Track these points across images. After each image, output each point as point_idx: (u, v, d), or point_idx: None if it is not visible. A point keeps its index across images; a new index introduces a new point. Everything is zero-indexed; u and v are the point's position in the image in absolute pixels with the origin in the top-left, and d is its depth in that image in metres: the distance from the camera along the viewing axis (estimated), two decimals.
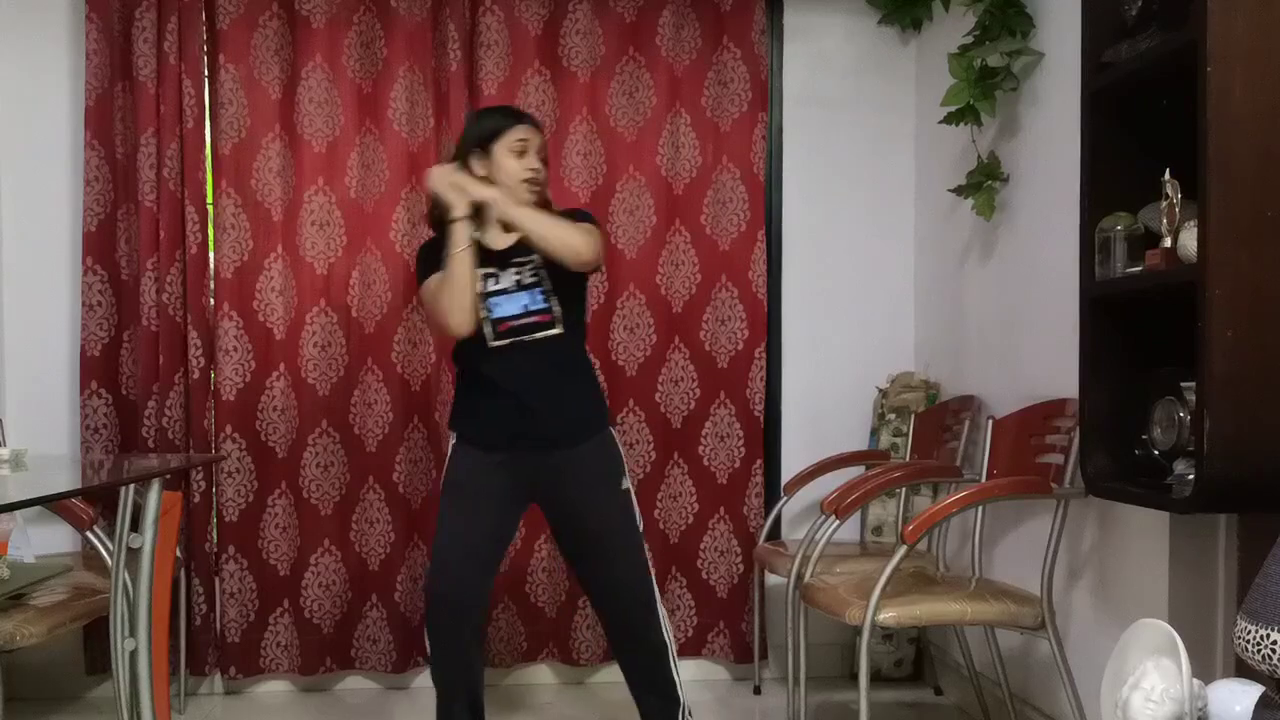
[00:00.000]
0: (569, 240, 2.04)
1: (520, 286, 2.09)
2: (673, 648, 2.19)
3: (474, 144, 2.11)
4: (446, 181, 2.07)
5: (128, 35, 2.75)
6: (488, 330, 2.09)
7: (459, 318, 2.04)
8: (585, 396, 2.16)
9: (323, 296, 2.82)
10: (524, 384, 2.08)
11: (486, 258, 2.10)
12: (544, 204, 2.14)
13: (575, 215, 2.16)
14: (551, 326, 2.09)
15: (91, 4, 2.73)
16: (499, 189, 2.08)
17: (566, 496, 2.13)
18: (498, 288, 2.09)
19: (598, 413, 2.18)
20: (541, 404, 2.08)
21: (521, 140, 2.09)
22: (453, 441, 2.17)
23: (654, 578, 2.18)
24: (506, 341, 2.08)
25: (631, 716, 2.68)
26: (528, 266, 2.10)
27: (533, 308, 2.08)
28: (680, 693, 2.17)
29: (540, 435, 2.08)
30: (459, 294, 2.04)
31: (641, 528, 2.18)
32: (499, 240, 2.12)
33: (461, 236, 2.04)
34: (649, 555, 2.20)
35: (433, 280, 2.09)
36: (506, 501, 2.12)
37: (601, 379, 2.87)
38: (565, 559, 2.29)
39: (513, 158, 2.09)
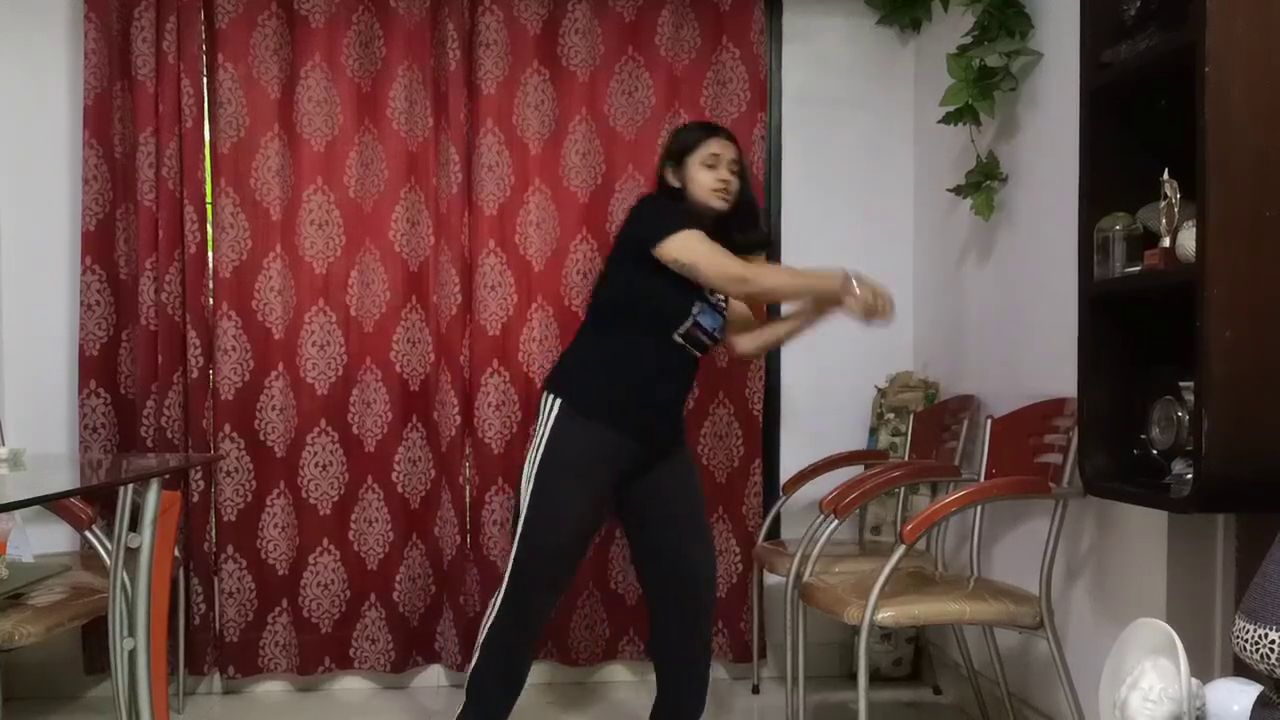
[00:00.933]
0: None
1: (716, 309, 2.25)
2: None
3: (670, 157, 2.26)
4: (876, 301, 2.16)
5: (126, 34, 2.74)
6: (701, 340, 2.23)
7: (764, 289, 2.25)
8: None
9: (321, 296, 2.82)
10: (676, 387, 2.25)
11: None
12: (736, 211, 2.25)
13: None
14: (706, 350, 2.27)
15: (90, 3, 2.73)
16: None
17: (672, 485, 2.26)
18: (713, 298, 2.24)
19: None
20: (677, 409, 2.28)
21: (714, 154, 2.21)
22: (574, 418, 2.14)
23: None
24: (683, 343, 2.21)
25: (629, 716, 2.69)
26: (720, 294, 2.25)
27: (718, 327, 2.26)
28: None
29: (667, 435, 2.25)
30: (789, 291, 2.33)
31: None
32: None
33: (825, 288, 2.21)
34: None
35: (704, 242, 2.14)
36: (613, 492, 2.24)
37: None
38: (651, 549, 2.30)
39: (704, 171, 2.21)
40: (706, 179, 2.20)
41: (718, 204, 2.21)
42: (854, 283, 2.12)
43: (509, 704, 2.21)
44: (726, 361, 2.92)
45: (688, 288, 2.16)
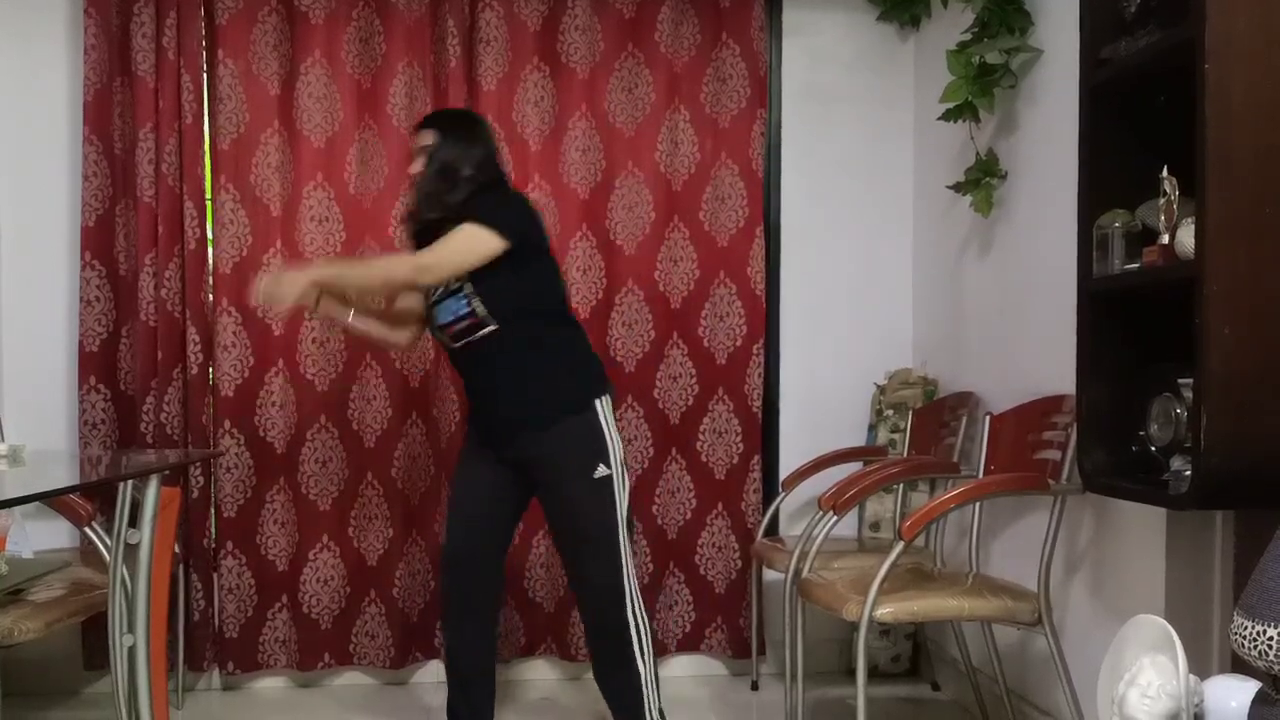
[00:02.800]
0: (374, 276, 2.25)
1: (447, 293, 2.18)
2: (644, 662, 2.14)
3: None
4: (290, 294, 2.08)
5: (126, 30, 2.74)
6: (443, 338, 2.24)
7: (396, 343, 2.38)
8: (543, 382, 2.14)
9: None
10: (478, 381, 2.21)
11: None
12: (441, 203, 2.15)
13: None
14: (483, 326, 2.14)
15: None
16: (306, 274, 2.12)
17: (540, 481, 2.18)
18: (435, 298, 2.21)
19: (558, 397, 2.14)
20: (494, 396, 2.18)
21: (412, 149, 2.23)
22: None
23: (630, 578, 2.14)
24: (460, 344, 2.19)
25: None
26: (456, 282, 2.16)
27: (460, 313, 2.16)
28: (644, 695, 2.13)
29: (499, 425, 2.19)
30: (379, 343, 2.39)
31: (622, 520, 2.14)
32: None
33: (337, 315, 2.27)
34: (626, 553, 2.13)
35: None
36: (500, 483, 2.23)
37: None
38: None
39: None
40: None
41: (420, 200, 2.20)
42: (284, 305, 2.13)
43: None
44: (727, 359, 2.92)
45: (425, 292, 2.24)
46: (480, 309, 2.13)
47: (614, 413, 2.19)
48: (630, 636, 2.14)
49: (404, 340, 2.37)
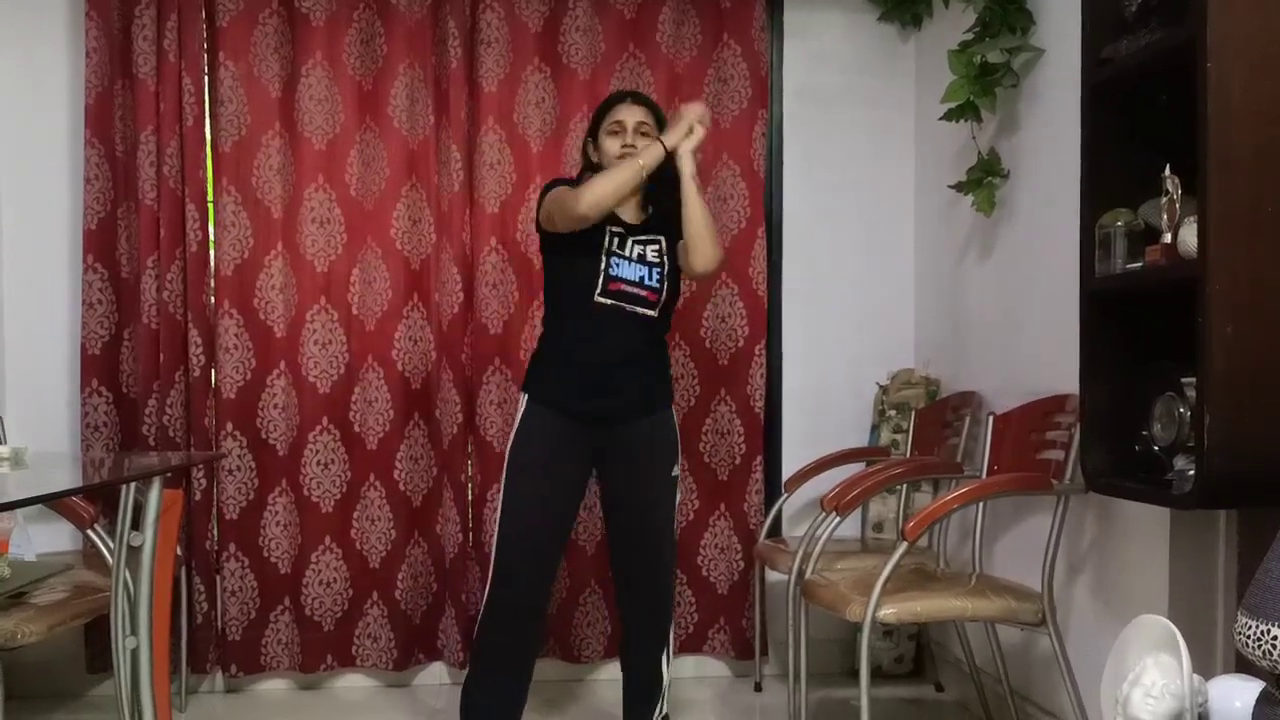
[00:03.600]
0: (712, 240, 2.17)
1: (642, 260, 2.19)
2: (671, 649, 2.30)
3: (589, 134, 2.28)
4: (695, 118, 2.16)
5: (127, 33, 2.74)
6: (600, 281, 2.16)
7: (591, 199, 2.07)
8: (658, 372, 2.26)
9: (323, 294, 2.82)
10: (613, 353, 2.17)
11: (614, 221, 2.18)
12: (665, 182, 2.19)
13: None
14: (652, 308, 2.20)
15: (91, 2, 2.73)
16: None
17: (629, 468, 2.21)
18: (622, 251, 2.19)
19: (666, 389, 2.27)
20: (621, 372, 2.17)
21: (617, 121, 2.22)
22: (524, 406, 2.22)
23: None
24: (609, 302, 2.16)
25: None
26: (653, 246, 2.21)
27: (648, 282, 2.19)
28: (664, 689, 2.29)
29: (614, 404, 2.17)
30: (614, 187, 2.09)
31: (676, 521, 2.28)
32: (626, 211, 2.22)
33: (651, 158, 2.14)
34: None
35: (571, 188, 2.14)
36: (577, 472, 2.23)
37: None
38: (611, 537, 2.31)
39: (609, 139, 2.22)
40: (612, 146, 2.20)
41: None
42: (675, 134, 2.15)
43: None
44: (728, 359, 2.92)
45: (593, 249, 2.17)
46: (663, 295, 2.21)
47: None
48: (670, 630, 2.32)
49: (598, 209, 2.10)
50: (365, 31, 2.83)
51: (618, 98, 2.28)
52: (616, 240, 2.19)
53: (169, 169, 2.73)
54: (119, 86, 2.77)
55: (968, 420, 2.57)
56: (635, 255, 2.19)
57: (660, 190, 2.22)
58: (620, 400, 2.18)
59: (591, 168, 2.26)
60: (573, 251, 2.18)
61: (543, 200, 2.21)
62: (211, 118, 2.80)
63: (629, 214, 2.23)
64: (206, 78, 2.79)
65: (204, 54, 2.78)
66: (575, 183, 2.20)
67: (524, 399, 2.23)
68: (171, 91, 2.72)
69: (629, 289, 2.17)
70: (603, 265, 2.16)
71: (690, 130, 2.16)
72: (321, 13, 2.80)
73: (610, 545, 2.31)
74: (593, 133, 2.28)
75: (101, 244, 2.77)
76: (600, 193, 2.08)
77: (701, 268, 2.18)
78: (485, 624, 2.19)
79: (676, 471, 2.26)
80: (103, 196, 2.77)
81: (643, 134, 2.21)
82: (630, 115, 2.22)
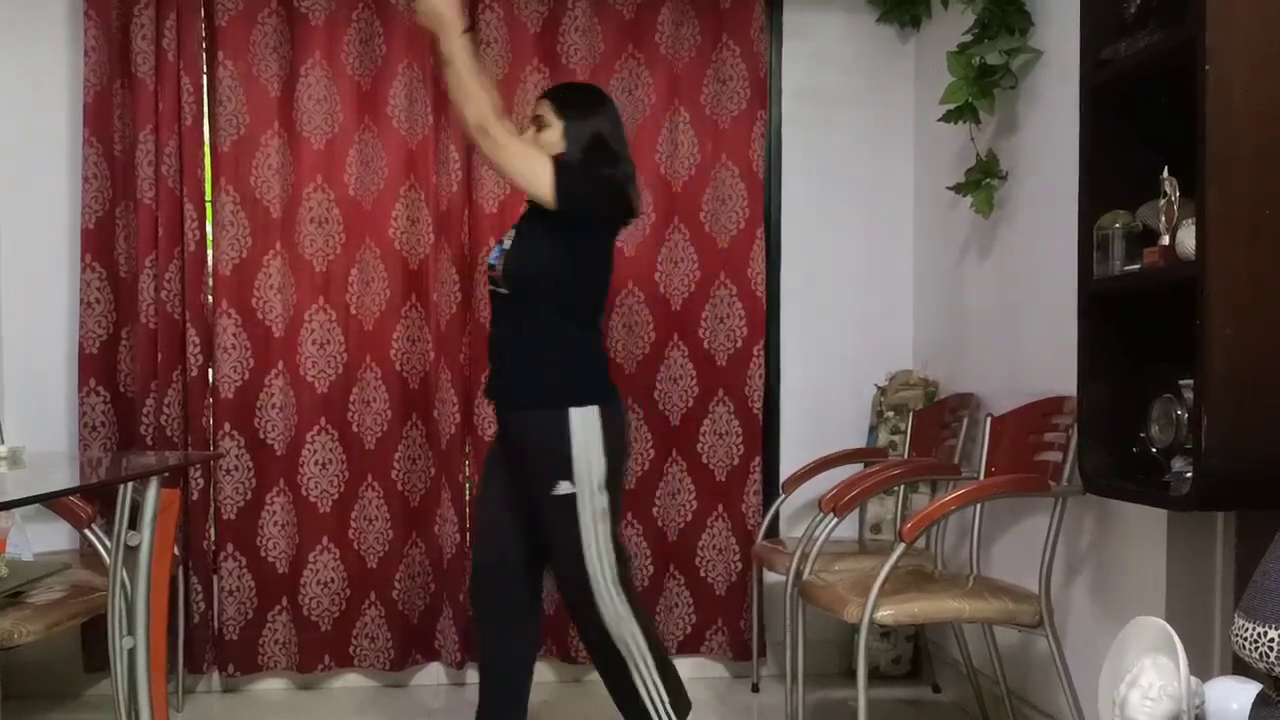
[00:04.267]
0: (461, 104, 1.97)
1: (501, 244, 2.14)
2: (644, 663, 2.02)
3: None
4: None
5: (126, 32, 2.74)
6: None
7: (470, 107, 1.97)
8: (524, 362, 2.04)
9: (321, 294, 2.82)
10: (491, 337, 2.15)
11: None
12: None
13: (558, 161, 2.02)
14: (498, 285, 2.10)
15: (90, 1, 2.73)
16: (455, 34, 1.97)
17: (511, 474, 2.11)
18: (504, 240, 2.15)
19: (540, 384, 2.01)
20: (493, 360, 2.12)
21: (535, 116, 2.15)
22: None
23: (601, 579, 2.00)
24: (489, 287, 2.16)
25: None
26: (512, 231, 2.13)
27: (491, 260, 2.13)
28: (651, 692, 2.02)
29: (491, 392, 2.12)
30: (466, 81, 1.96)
31: (590, 536, 1.99)
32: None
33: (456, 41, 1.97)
34: (604, 563, 2.00)
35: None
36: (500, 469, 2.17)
37: None
38: None
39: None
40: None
41: None
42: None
43: None
44: (727, 360, 2.92)
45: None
46: (502, 268, 2.07)
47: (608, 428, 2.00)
48: (622, 645, 2.04)
49: (482, 108, 1.99)
50: (364, 31, 2.83)
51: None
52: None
53: (167, 168, 2.73)
54: (118, 86, 2.76)
55: (966, 421, 2.57)
56: (504, 238, 2.15)
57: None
58: (489, 386, 2.12)
59: None
60: None
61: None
62: (210, 117, 2.79)
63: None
64: (205, 77, 2.79)
65: (203, 53, 2.78)
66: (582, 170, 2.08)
67: None
68: (170, 91, 2.72)
69: (490, 272, 2.14)
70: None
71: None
72: (320, 12, 2.80)
73: None
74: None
75: (100, 243, 2.77)
76: (457, 85, 1.99)
77: (468, 122, 1.99)
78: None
79: (567, 489, 1.97)
80: (101, 196, 2.77)
81: (535, 119, 2.13)
82: (534, 108, 2.18)
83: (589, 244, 2.08)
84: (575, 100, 2.15)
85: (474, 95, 1.99)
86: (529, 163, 2.00)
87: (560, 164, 2.02)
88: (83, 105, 2.74)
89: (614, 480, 2.03)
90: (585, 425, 1.99)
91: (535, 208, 2.08)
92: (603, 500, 2.01)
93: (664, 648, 2.10)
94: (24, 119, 2.81)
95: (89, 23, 2.73)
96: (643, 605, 2.10)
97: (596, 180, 2.06)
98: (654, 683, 2.03)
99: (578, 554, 2.00)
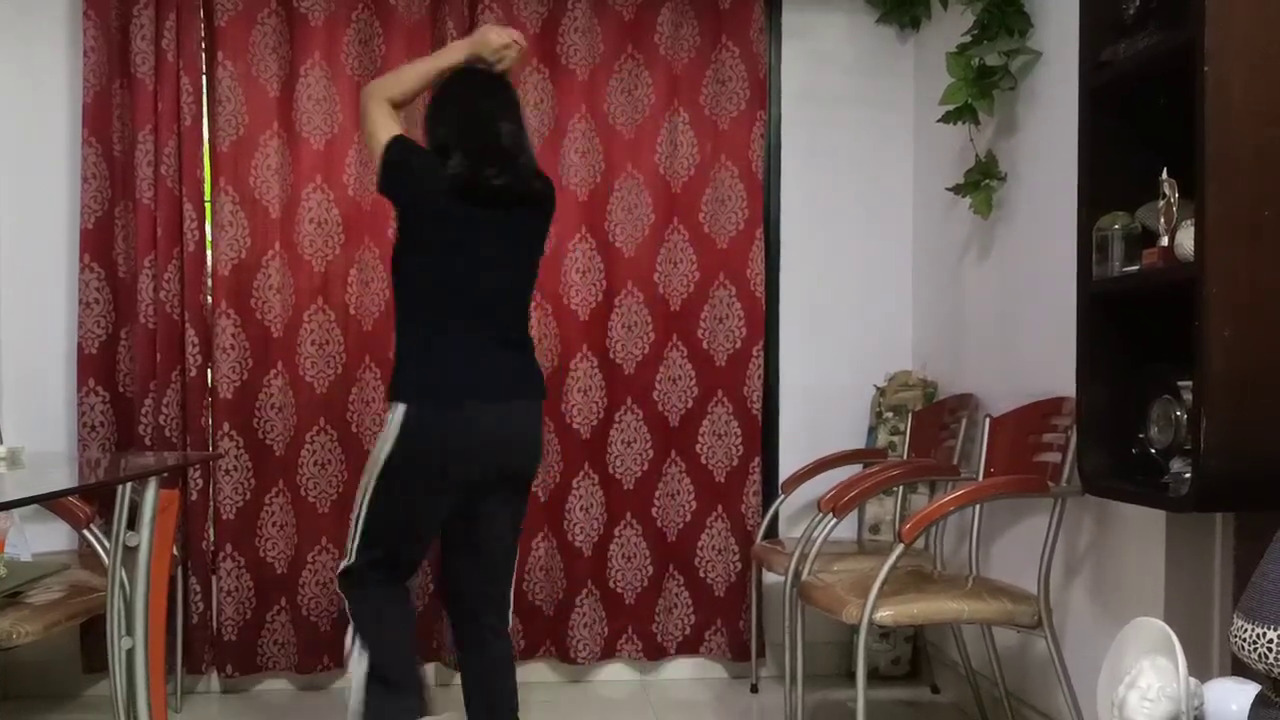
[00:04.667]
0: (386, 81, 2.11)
1: None
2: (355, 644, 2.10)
3: None
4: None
5: (125, 32, 2.74)
6: None
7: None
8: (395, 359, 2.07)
9: (320, 294, 2.82)
10: None
11: None
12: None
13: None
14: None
15: (89, 1, 2.73)
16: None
17: None
18: None
19: (393, 381, 2.03)
20: None
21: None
22: None
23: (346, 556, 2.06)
24: None
25: (628, 715, 2.69)
26: None
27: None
28: None
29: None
30: (411, 74, 2.11)
31: (358, 523, 2.05)
32: None
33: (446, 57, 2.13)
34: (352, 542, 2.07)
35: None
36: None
37: (595, 375, 2.87)
38: None
39: None
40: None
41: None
42: (491, 35, 2.12)
43: None
44: (726, 360, 2.92)
45: None
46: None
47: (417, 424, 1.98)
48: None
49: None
50: (364, 32, 2.83)
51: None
52: None
53: (167, 168, 2.73)
54: (117, 86, 2.76)
55: (965, 422, 2.57)
56: None
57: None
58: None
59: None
60: None
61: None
62: (210, 117, 2.79)
63: None
64: (205, 77, 2.79)
65: (202, 54, 2.77)
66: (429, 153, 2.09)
67: None
68: (170, 91, 2.72)
69: None
70: None
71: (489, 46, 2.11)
72: (320, 13, 2.80)
73: None
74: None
75: (99, 243, 2.76)
76: (392, 84, 2.09)
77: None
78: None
79: (365, 480, 2.03)
80: (100, 196, 2.77)
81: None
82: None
83: (401, 229, 2.08)
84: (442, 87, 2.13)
85: (402, 79, 2.09)
86: (374, 133, 2.04)
87: (392, 140, 2.03)
88: (82, 105, 2.74)
89: (388, 472, 2.01)
90: (392, 421, 2.00)
91: None
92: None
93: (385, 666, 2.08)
94: (23, 119, 2.80)
95: (88, 23, 2.73)
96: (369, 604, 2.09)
97: (386, 161, 2.03)
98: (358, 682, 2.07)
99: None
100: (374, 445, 2.05)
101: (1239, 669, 1.39)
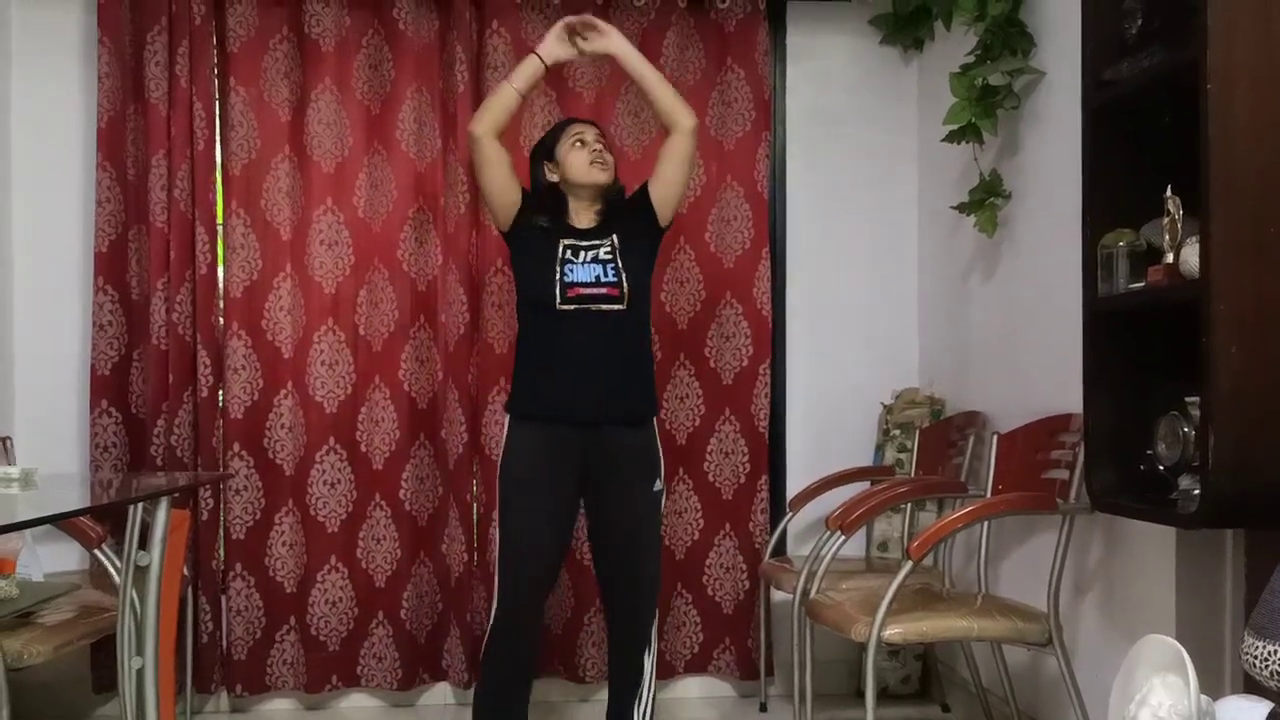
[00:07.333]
0: (676, 96, 2.29)
1: (595, 261, 2.22)
2: (649, 680, 2.27)
3: (542, 159, 2.32)
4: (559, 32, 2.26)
5: (139, 58, 2.78)
6: (558, 292, 2.19)
7: (483, 123, 2.23)
8: (641, 381, 2.26)
9: (331, 315, 2.84)
10: (585, 354, 2.18)
11: (568, 233, 2.25)
12: (617, 190, 2.32)
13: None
14: (619, 302, 2.20)
15: (104, 27, 2.77)
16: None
17: (613, 481, 2.22)
18: (574, 258, 2.22)
19: (649, 401, 2.27)
20: (599, 378, 2.19)
21: (577, 134, 2.29)
22: (508, 424, 2.25)
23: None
24: (573, 307, 2.19)
25: None
26: (604, 248, 2.24)
27: (604, 279, 2.20)
28: (646, 684, 2.26)
29: (593, 410, 2.18)
30: (497, 104, 2.25)
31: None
32: (582, 219, 2.29)
33: (523, 73, 2.26)
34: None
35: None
36: (566, 488, 2.22)
37: None
38: (593, 552, 2.35)
39: (574, 152, 2.27)
40: (579, 158, 2.26)
41: (600, 176, 2.27)
42: (546, 46, 2.27)
43: None
44: (733, 379, 2.93)
45: (547, 258, 2.20)
46: (625, 285, 2.20)
47: None
48: (647, 652, 2.29)
49: (488, 127, 2.26)
50: (374, 56, 2.87)
51: (567, 121, 2.39)
52: (569, 251, 2.23)
53: (179, 192, 2.76)
54: (131, 111, 2.80)
55: (972, 439, 2.57)
56: (588, 259, 2.22)
57: (611, 197, 2.31)
58: (597, 405, 2.18)
59: (550, 189, 2.30)
60: (528, 262, 2.25)
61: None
62: (222, 141, 2.83)
63: (579, 218, 2.29)
64: (217, 102, 2.82)
65: (215, 79, 2.81)
66: (532, 198, 2.30)
67: (507, 419, 2.27)
68: (182, 116, 2.75)
69: (587, 291, 2.19)
70: (558, 275, 2.19)
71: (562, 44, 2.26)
72: (331, 38, 2.84)
73: (594, 553, 2.34)
74: (548, 155, 2.31)
75: (112, 266, 2.79)
76: (488, 109, 2.25)
77: (686, 125, 2.26)
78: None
79: (659, 486, 2.26)
80: (114, 219, 2.80)
81: (603, 146, 2.29)
82: (587, 130, 2.31)
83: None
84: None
85: (668, 84, 2.34)
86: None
87: None
88: (96, 130, 2.78)
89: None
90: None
91: (627, 220, 2.26)
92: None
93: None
94: (39, 143, 2.84)
95: (103, 49, 2.77)
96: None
97: None
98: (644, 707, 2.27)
99: (659, 550, 2.29)
100: (654, 483, 2.25)
101: (1251, 686, 1.39)
